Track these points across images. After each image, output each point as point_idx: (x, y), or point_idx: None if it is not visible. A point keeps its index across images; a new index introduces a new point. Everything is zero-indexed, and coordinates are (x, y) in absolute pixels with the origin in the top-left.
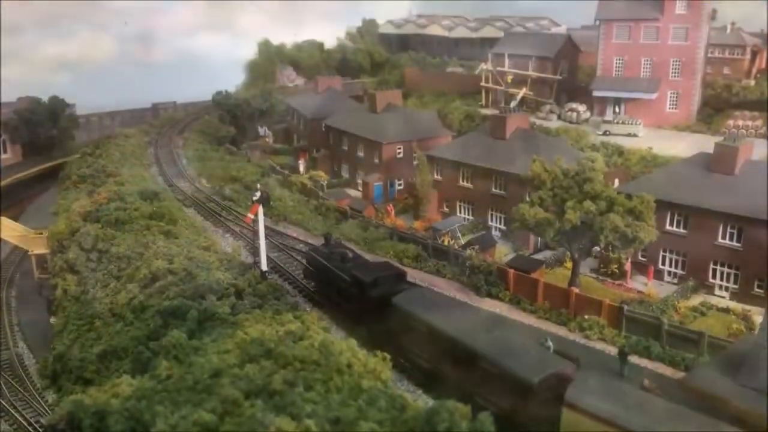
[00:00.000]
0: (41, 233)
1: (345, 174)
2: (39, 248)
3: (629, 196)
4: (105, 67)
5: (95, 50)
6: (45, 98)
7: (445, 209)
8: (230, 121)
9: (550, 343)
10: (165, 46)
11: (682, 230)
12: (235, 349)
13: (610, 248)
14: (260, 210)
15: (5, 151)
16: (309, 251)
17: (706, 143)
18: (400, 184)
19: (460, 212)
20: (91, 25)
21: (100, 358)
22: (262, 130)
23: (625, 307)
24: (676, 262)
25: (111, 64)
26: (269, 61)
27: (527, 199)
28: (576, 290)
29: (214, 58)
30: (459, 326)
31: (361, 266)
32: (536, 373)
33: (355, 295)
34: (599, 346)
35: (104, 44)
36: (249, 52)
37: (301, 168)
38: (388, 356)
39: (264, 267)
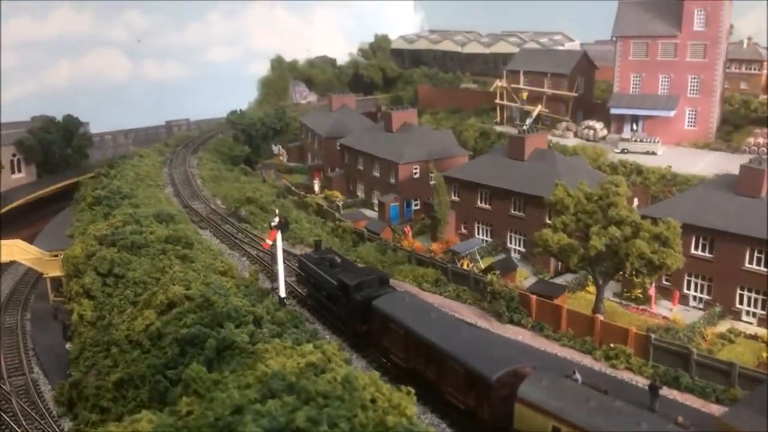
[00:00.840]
0: (56, 255)
1: (360, 194)
2: (54, 271)
3: (655, 221)
4: (119, 84)
5: (109, 68)
6: (59, 117)
7: (463, 230)
8: (244, 140)
9: (578, 376)
10: (178, 63)
11: (707, 254)
12: (256, 383)
13: (635, 274)
14: (279, 236)
15: (19, 171)
16: (300, 258)
17: (726, 161)
18: (416, 204)
19: (478, 234)
20: (105, 43)
21: (116, 386)
22: (275, 148)
23: (653, 336)
24: (702, 286)
25: (125, 82)
26: (282, 77)
27: (547, 220)
28: (601, 318)
29: (227, 74)
30: (431, 328)
31: (346, 271)
32: (495, 371)
33: (341, 298)
34: (626, 375)
35: (118, 62)
36: (262, 68)
37: (316, 188)
38: (413, 390)
39: (282, 293)
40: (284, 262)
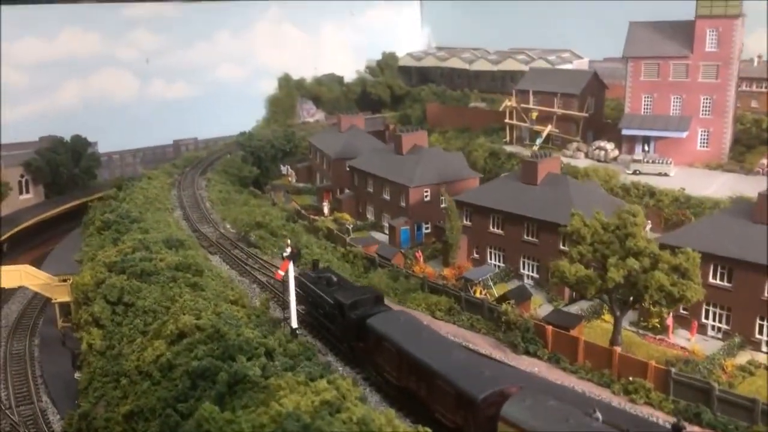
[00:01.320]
0: (65, 280)
1: (370, 216)
2: (62, 296)
3: (673, 251)
4: (127, 104)
5: (117, 88)
6: (67, 137)
7: (475, 255)
8: (253, 161)
9: (599, 414)
10: (186, 82)
11: (726, 283)
12: (270, 423)
13: (654, 305)
14: (291, 266)
15: (27, 192)
16: (298, 276)
17: (739, 183)
18: (427, 228)
19: (491, 259)
20: (114, 63)
21: (126, 418)
22: (284, 169)
23: (673, 371)
24: (720, 316)
25: (133, 101)
26: (289, 95)
27: (562, 247)
28: (619, 350)
29: (234, 93)
30: (422, 347)
31: (342, 289)
32: (482, 391)
33: (337, 316)
34: (646, 411)
35: (127, 81)
36: (269, 86)
37: (326, 210)
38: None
39: (294, 324)
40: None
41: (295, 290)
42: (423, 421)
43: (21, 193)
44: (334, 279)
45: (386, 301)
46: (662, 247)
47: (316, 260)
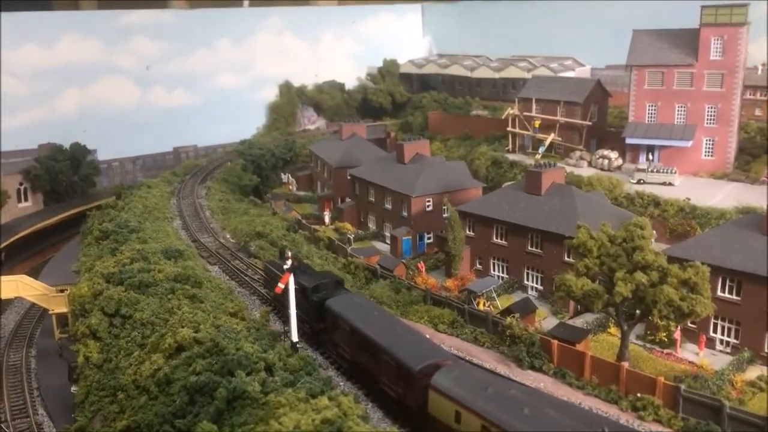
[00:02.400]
0: (62, 291)
1: (371, 225)
2: (59, 307)
3: (681, 263)
4: (127, 111)
5: (117, 95)
6: (66, 144)
7: (478, 267)
8: (254, 170)
9: None
10: (186, 90)
11: (735, 297)
12: None
13: (662, 320)
14: (291, 279)
15: (26, 200)
16: (266, 263)
17: (745, 193)
18: (429, 238)
19: (494, 270)
20: (114, 71)
21: None
22: (284, 177)
23: (683, 388)
24: (729, 330)
25: (132, 109)
26: (290, 102)
27: (566, 258)
28: (626, 366)
29: (235, 100)
30: (371, 325)
31: (306, 275)
32: (418, 363)
33: (301, 299)
34: (654, 428)
35: (126, 89)
36: (270, 93)
37: (327, 219)
38: None
39: (295, 338)
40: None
41: (264, 278)
42: (371, 393)
43: (20, 201)
44: (300, 266)
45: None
46: (670, 259)
47: (283, 247)
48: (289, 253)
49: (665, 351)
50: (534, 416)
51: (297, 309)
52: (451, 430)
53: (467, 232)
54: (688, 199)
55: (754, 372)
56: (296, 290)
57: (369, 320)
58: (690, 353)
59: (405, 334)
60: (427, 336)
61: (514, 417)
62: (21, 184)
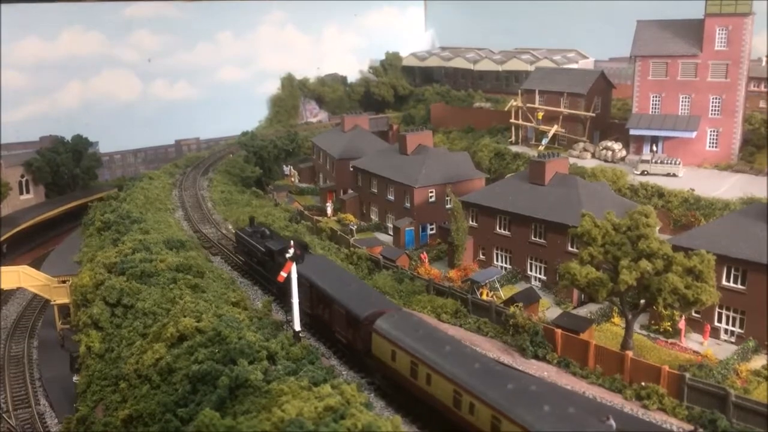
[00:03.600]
0: (64, 281)
1: (374, 217)
2: (61, 298)
3: (686, 252)
4: (129, 104)
5: (119, 88)
6: (68, 137)
7: (481, 257)
8: (256, 162)
9: (612, 422)
10: (188, 83)
11: (740, 286)
12: (272, 429)
13: (667, 308)
14: (294, 268)
15: (28, 192)
16: (237, 231)
17: (749, 184)
18: (432, 229)
19: (497, 260)
20: (116, 64)
21: (125, 423)
22: (286, 169)
23: (687, 376)
24: (734, 319)
25: (135, 102)
26: (292, 95)
27: (570, 248)
28: (631, 354)
29: (237, 93)
30: (327, 281)
31: (273, 240)
32: (364, 311)
33: (268, 261)
34: (659, 417)
35: (129, 82)
36: (272, 86)
37: (329, 210)
38: None
39: (297, 327)
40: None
41: (235, 244)
42: (327, 340)
43: (21, 193)
44: (267, 232)
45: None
46: (675, 248)
47: (252, 217)
48: (292, 242)
49: (669, 341)
50: (453, 353)
51: (262, 269)
52: (389, 367)
53: (470, 222)
54: (692, 190)
55: (759, 361)
56: (263, 253)
57: (326, 277)
58: (694, 343)
59: (357, 288)
60: (374, 289)
61: (437, 354)
62: (23, 176)
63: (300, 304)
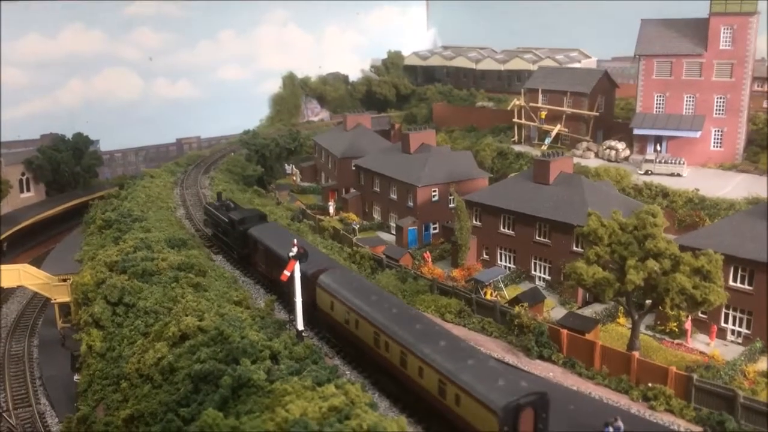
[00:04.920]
0: (65, 280)
1: (376, 216)
2: (62, 296)
3: (693, 252)
4: (130, 102)
5: (120, 86)
6: (69, 135)
7: (485, 257)
8: (257, 160)
9: (620, 423)
10: (189, 81)
11: (747, 287)
12: (276, 430)
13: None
14: (297, 266)
15: (28, 190)
16: (206, 206)
17: (754, 184)
18: (435, 228)
19: (501, 260)
20: (117, 62)
21: (126, 423)
22: (288, 168)
23: (695, 377)
24: (741, 320)
25: (136, 100)
26: (294, 94)
27: (575, 248)
28: (638, 355)
29: (238, 92)
30: (280, 244)
31: (236, 211)
32: (311, 268)
33: (231, 230)
34: (666, 418)
35: (130, 80)
36: (273, 85)
37: (331, 210)
38: None
39: (300, 326)
40: None
41: (204, 218)
42: (282, 296)
43: (22, 191)
44: (232, 205)
45: None
46: (681, 248)
47: (219, 193)
48: (295, 240)
49: (675, 341)
50: (378, 301)
51: (226, 237)
52: (330, 317)
53: (474, 221)
54: (697, 190)
55: (766, 362)
56: (226, 223)
57: (279, 241)
58: (701, 344)
59: (308, 250)
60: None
61: (366, 302)
62: (23, 174)
63: (256, 265)
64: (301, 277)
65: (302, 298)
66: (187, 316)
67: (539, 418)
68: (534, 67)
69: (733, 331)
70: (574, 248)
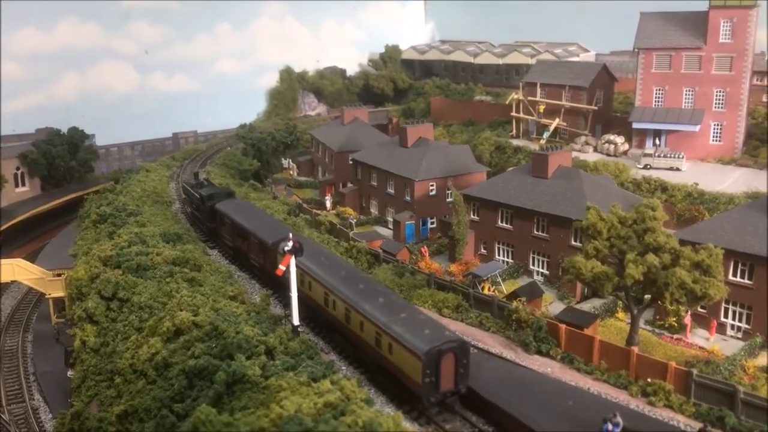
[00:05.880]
0: (59, 275)
1: (374, 210)
2: (56, 291)
3: (693, 246)
4: (126, 96)
5: (117, 80)
6: (65, 129)
7: (483, 251)
8: (254, 154)
9: (619, 419)
10: (186, 75)
11: (747, 281)
12: (271, 426)
13: (674, 303)
14: (292, 261)
15: (23, 184)
16: (183, 185)
17: (753, 178)
18: (432, 223)
19: (499, 254)
20: (113, 55)
21: (120, 418)
22: (285, 162)
23: (695, 372)
24: (741, 315)
25: (132, 94)
26: (291, 88)
27: (573, 242)
28: (637, 350)
29: (235, 86)
30: (245, 218)
31: (207, 189)
32: (271, 239)
33: (201, 206)
34: (666, 414)
35: (126, 74)
36: (270, 79)
37: (328, 204)
38: None
39: (296, 321)
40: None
41: (183, 196)
42: (244, 265)
43: (17, 185)
44: (206, 184)
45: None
46: (681, 243)
47: (197, 172)
48: (291, 234)
49: (675, 336)
50: (327, 264)
51: (198, 213)
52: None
53: (471, 216)
54: (696, 184)
55: (766, 357)
56: (198, 199)
57: (243, 215)
58: (700, 339)
59: (268, 222)
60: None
61: (316, 265)
62: (18, 168)
63: (222, 238)
64: (263, 247)
65: (259, 264)
66: (181, 311)
67: (460, 362)
68: (532, 61)
69: (732, 326)
70: (573, 242)
